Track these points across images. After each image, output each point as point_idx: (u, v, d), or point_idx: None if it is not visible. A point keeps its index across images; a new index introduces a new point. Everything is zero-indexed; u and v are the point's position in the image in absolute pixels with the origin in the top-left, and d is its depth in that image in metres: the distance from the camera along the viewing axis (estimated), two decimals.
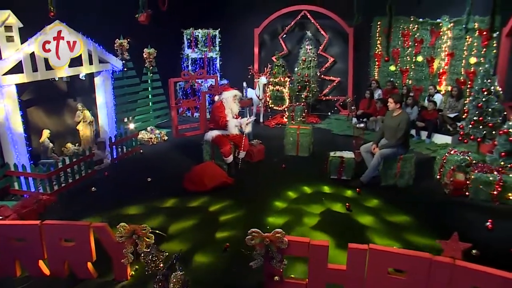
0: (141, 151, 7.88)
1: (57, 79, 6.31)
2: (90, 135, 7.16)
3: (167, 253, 2.96)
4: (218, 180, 6.04)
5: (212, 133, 6.72)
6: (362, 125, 9.30)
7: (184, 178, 6.16)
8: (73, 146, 6.99)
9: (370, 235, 4.62)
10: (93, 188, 5.92)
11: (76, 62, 6.46)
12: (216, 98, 6.80)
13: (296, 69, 11.11)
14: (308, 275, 3.36)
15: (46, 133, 6.48)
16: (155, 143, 8.54)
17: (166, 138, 8.83)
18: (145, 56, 9.21)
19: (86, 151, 6.35)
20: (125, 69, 8.10)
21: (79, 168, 6.12)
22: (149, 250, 2.97)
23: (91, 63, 6.74)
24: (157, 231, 3.55)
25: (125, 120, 8.58)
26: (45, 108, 6.81)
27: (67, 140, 7.12)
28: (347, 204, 5.37)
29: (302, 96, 10.93)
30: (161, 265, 2.91)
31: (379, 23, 10.32)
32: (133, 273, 3.74)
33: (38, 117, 6.66)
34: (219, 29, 11.30)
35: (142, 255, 2.99)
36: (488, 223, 4.69)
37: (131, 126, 8.18)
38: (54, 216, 4.47)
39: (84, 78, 6.90)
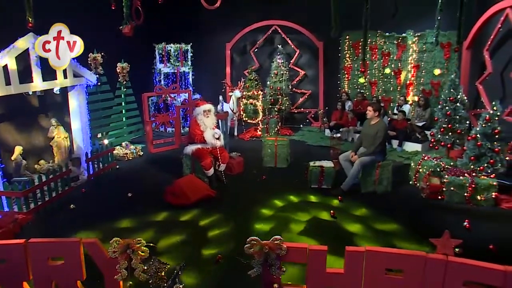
0: (117, 166, 7.70)
1: (31, 93, 6.09)
2: (65, 151, 6.92)
3: (169, 265, 2.90)
4: (201, 193, 6.00)
5: (192, 147, 6.69)
6: (338, 135, 9.57)
7: (166, 192, 6.07)
8: (47, 163, 6.72)
9: (356, 239, 4.74)
10: (72, 205, 5.71)
11: (50, 76, 6.27)
12: (194, 113, 6.80)
13: (268, 82, 11.31)
14: (307, 281, 3.39)
15: (18, 149, 6.20)
16: (130, 158, 8.37)
17: (141, 153, 8.68)
18: (118, 70, 9.07)
19: (62, 167, 6.12)
20: (99, 84, 7.93)
21: (56, 185, 5.88)
22: (152, 262, 2.90)
23: (65, 77, 6.57)
24: (150, 244, 3.47)
25: (99, 135, 8.37)
26: (17, 124, 6.53)
27: (40, 157, 6.83)
28: (331, 211, 5.49)
29: (275, 109, 11.11)
30: (165, 277, 2.85)
31: (347, 37, 10.75)
32: None
33: (9, 133, 6.37)
34: (191, 43, 11.35)
35: (146, 268, 2.91)
36: (465, 223, 4.95)
37: (106, 141, 7.98)
38: (32, 236, 4.26)
39: (58, 93, 6.70)
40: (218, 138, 6.58)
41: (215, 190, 6.30)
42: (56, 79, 6.37)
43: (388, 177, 6.33)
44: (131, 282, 3.68)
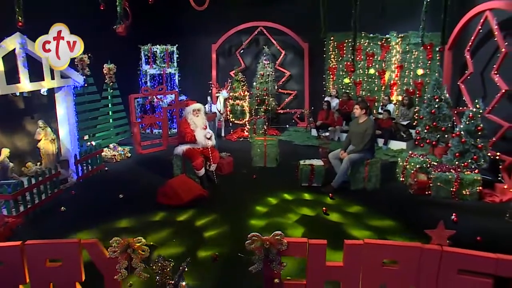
0: (106, 168, 7.62)
1: (18, 94, 5.98)
2: (52, 153, 6.80)
3: (173, 263, 2.92)
4: (194, 193, 6.00)
5: (183, 147, 6.68)
6: (327, 133, 9.72)
7: (158, 192, 6.06)
8: (34, 165, 6.60)
9: (348, 230, 4.85)
10: (63, 207, 5.63)
11: (37, 76, 6.17)
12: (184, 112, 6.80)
13: (254, 83, 11.39)
14: (307, 275, 3.47)
15: (5, 152, 6.07)
16: (118, 160, 8.29)
17: (129, 155, 8.61)
18: (105, 71, 8.97)
19: (51, 169, 6.02)
20: (86, 85, 7.83)
21: (46, 188, 5.79)
22: (157, 260, 2.92)
23: (52, 78, 6.47)
24: (151, 243, 3.49)
25: (86, 137, 8.26)
26: (3, 126, 6.39)
27: (27, 159, 6.70)
28: (323, 208, 5.59)
29: (262, 109, 11.19)
30: (170, 274, 2.87)
31: (332, 38, 10.93)
32: None
33: None
34: (176, 45, 11.33)
35: (152, 265, 2.92)
36: (453, 217, 5.13)
37: (93, 143, 7.89)
38: (24, 240, 4.20)
39: (45, 94, 6.59)
40: (209, 138, 6.59)
41: (207, 190, 6.31)
42: (43, 80, 6.28)
43: (377, 174, 6.48)
44: (131, 282, 3.68)
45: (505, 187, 6.07)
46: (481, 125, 6.06)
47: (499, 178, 6.37)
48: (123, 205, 5.88)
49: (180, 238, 4.80)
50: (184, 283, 3.04)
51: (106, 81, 9.11)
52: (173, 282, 2.84)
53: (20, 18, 4.62)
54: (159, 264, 2.84)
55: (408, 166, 6.57)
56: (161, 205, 5.81)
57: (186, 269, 2.87)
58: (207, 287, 3.78)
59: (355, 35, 5.99)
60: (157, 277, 2.87)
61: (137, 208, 5.71)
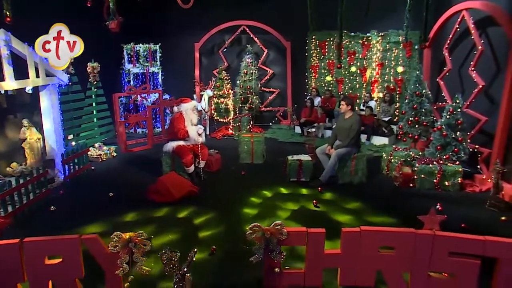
0: (93, 167, 7.54)
1: (2, 92, 5.85)
2: (37, 153, 6.68)
3: (179, 253, 2.97)
4: (185, 190, 6.04)
5: (173, 144, 6.69)
6: (313, 129, 9.90)
7: (149, 190, 6.06)
8: (19, 165, 6.46)
9: (335, 216, 5.01)
10: (52, 207, 5.56)
11: (22, 74, 6.06)
12: (175, 109, 6.80)
13: (238, 81, 11.45)
14: (306, 263, 3.58)
15: None
16: (104, 159, 8.21)
17: (115, 154, 8.53)
18: (89, 70, 8.84)
19: (39, 169, 5.92)
20: (70, 84, 7.71)
21: (34, 188, 5.69)
22: (164, 251, 2.96)
23: (37, 76, 6.36)
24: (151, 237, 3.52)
25: (70, 137, 8.14)
26: None
27: (12, 159, 6.55)
28: (314, 201, 5.74)
29: (246, 107, 11.28)
30: (177, 264, 2.92)
31: (313, 37, 11.12)
32: (128, 284, 3.61)
33: None
34: (159, 43, 11.27)
35: (161, 256, 2.96)
36: (438, 206, 5.36)
37: (73, 144, 7.79)
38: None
39: (30, 92, 6.46)
40: (200, 135, 6.64)
41: (197, 186, 6.35)
42: (29, 77, 6.17)
43: (363, 168, 6.68)
44: (132, 276, 3.70)
45: (484, 177, 6.38)
46: (461, 119, 6.34)
47: (478, 170, 6.69)
48: (114, 204, 5.85)
49: (175, 234, 4.84)
50: (188, 275, 3.09)
51: (90, 80, 8.98)
52: (181, 272, 2.88)
53: (8, 13, 4.54)
54: (167, 255, 2.88)
55: (392, 160, 6.80)
56: (153, 202, 5.82)
57: (194, 259, 2.92)
58: (207, 280, 3.84)
59: (341, 32, 6.17)
60: (166, 268, 2.91)
61: (129, 206, 5.69)
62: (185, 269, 2.87)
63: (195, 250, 2.98)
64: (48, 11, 7.07)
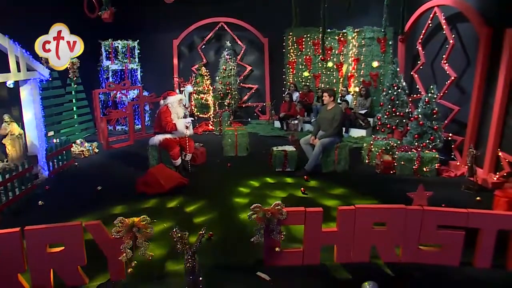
0: (76, 164, 7.44)
1: None
2: (19, 149, 6.53)
3: (188, 233, 3.07)
4: (175, 181, 6.09)
5: (159, 137, 6.71)
6: (296, 121, 10.12)
7: (138, 182, 6.07)
8: (1, 161, 6.30)
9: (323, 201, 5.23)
10: (40, 202, 5.48)
11: (3, 68, 5.93)
12: (161, 102, 6.83)
13: (217, 77, 11.53)
14: (304, 241, 3.76)
15: None
16: (87, 155, 8.10)
17: (97, 150, 8.43)
18: (68, 66, 8.67)
19: (24, 164, 5.80)
20: (51, 79, 7.57)
21: (20, 183, 5.59)
22: (174, 230, 3.05)
23: (18, 70, 6.23)
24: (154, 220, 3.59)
25: (50, 133, 7.98)
26: None
27: None
28: (302, 188, 5.94)
29: (225, 103, 11.38)
30: (188, 242, 3.02)
31: (290, 33, 11.36)
32: (131, 269, 3.63)
33: None
34: (138, 40, 11.19)
35: (172, 234, 3.04)
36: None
37: (55, 141, 7.66)
38: None
39: (12, 86, 6.32)
40: (187, 127, 6.69)
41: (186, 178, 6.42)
42: (10, 71, 6.04)
43: (346, 157, 6.95)
44: (135, 262, 3.75)
45: (458, 163, 6.80)
46: (436, 108, 6.72)
47: (452, 156, 7.11)
48: (103, 196, 5.83)
49: (170, 222, 4.90)
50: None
51: (69, 75, 8.82)
52: (193, 248, 2.98)
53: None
54: (178, 234, 2.98)
55: (373, 149, 7.11)
56: (141, 194, 5.85)
57: (204, 236, 3.03)
58: (207, 261, 3.94)
59: (323, 28, 6.42)
60: (178, 245, 3.01)
61: (117, 199, 5.69)
62: (198, 245, 2.97)
63: (205, 227, 3.08)
64: (26, 4, 6.93)
